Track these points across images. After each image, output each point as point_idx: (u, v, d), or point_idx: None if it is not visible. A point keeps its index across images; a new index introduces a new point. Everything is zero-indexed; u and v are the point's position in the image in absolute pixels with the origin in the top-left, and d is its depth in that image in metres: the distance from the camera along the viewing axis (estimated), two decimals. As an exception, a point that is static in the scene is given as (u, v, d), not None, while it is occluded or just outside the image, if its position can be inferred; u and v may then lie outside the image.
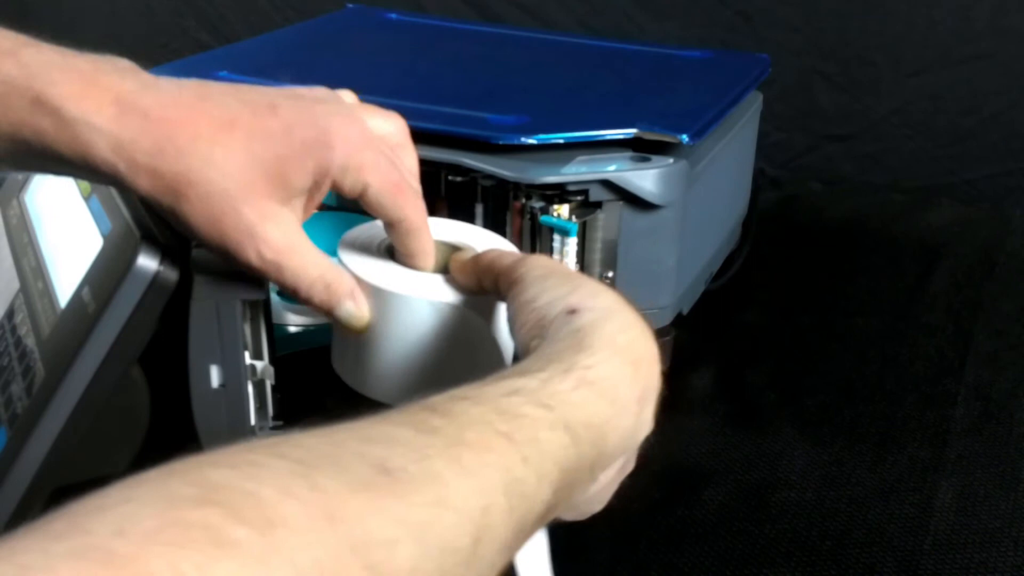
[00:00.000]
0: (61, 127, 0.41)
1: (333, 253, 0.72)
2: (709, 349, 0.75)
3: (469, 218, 0.64)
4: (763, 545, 0.56)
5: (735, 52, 0.99)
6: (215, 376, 0.48)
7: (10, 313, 0.56)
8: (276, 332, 0.51)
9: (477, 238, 0.52)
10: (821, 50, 1.12)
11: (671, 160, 0.62)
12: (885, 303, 0.82)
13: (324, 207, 0.74)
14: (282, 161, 0.44)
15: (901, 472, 0.62)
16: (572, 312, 0.39)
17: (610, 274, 0.64)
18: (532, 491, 0.32)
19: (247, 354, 0.48)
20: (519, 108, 0.67)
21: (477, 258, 0.46)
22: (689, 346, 0.71)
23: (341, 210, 0.73)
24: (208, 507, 0.24)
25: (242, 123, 0.43)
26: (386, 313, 0.47)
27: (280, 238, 0.44)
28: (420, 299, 0.46)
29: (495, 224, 0.63)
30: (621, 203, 0.62)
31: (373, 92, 0.70)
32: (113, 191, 0.52)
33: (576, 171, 0.61)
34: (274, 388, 0.50)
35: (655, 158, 0.62)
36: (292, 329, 0.65)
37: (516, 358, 0.44)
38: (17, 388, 0.50)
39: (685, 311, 0.71)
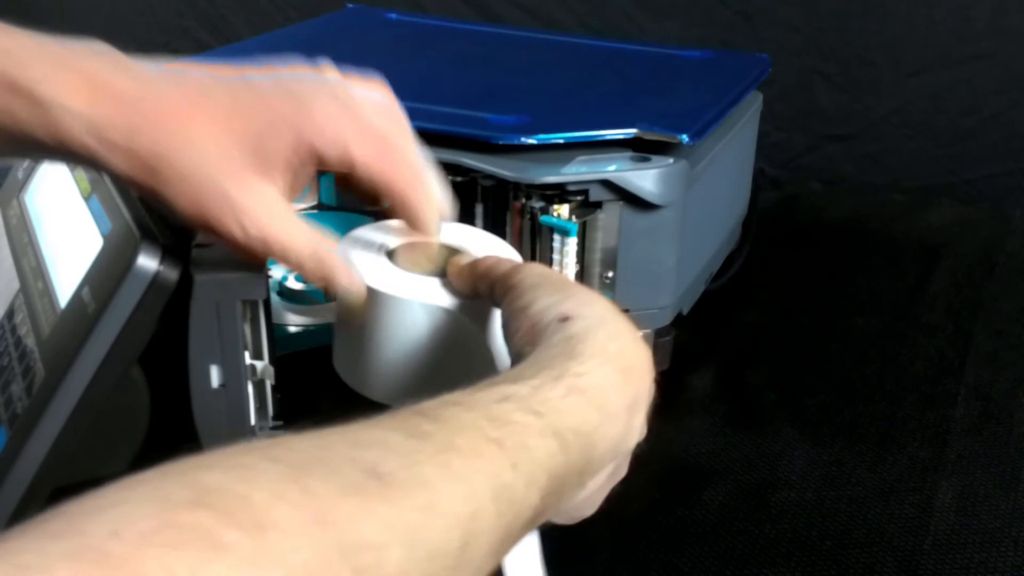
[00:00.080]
0: (36, 111, 0.41)
1: (333, 253, 0.72)
2: (709, 349, 0.75)
3: (469, 218, 0.64)
4: (763, 545, 0.56)
5: (735, 52, 0.99)
6: (215, 376, 0.48)
7: (10, 313, 0.56)
8: (276, 332, 0.51)
9: (478, 241, 0.52)
10: (821, 50, 1.12)
11: (671, 160, 0.62)
12: (885, 303, 0.82)
13: (324, 207, 0.74)
14: (259, 134, 0.43)
15: (901, 472, 0.62)
16: (564, 319, 0.40)
17: (610, 274, 0.64)
18: (520, 497, 0.32)
19: (247, 354, 0.48)
20: (519, 108, 0.67)
21: (474, 264, 0.47)
22: (689, 346, 0.71)
23: (341, 210, 0.73)
24: (201, 510, 0.24)
25: (217, 99, 0.43)
26: (382, 315, 0.47)
27: (263, 211, 0.43)
28: (414, 302, 0.47)
29: (495, 224, 0.63)
30: (621, 203, 0.62)
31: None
32: (113, 191, 0.52)
33: (576, 171, 0.61)
34: (274, 388, 0.50)
35: (655, 158, 0.62)
36: (292, 329, 0.65)
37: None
38: (17, 388, 0.50)
39: (685, 311, 0.71)
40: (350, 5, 0.98)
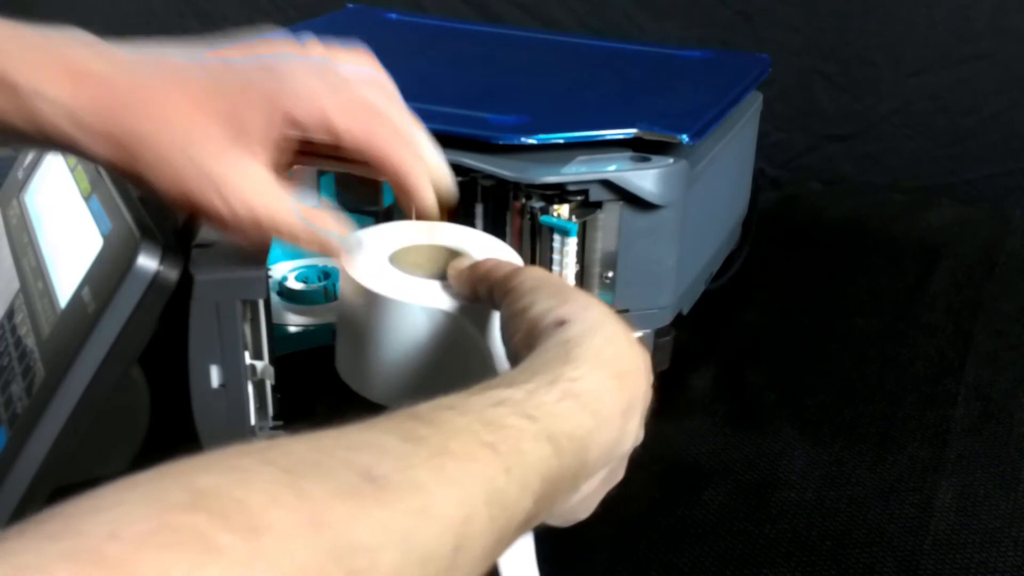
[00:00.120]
0: (13, 99, 0.41)
1: (333, 253, 0.73)
2: (709, 349, 0.75)
3: (469, 218, 0.64)
4: (763, 545, 0.56)
5: (735, 52, 0.99)
6: (215, 376, 0.48)
7: (10, 313, 0.56)
8: (276, 332, 0.51)
9: (480, 243, 0.53)
10: (821, 50, 1.12)
11: (671, 160, 0.62)
12: (885, 303, 0.82)
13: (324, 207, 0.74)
14: (236, 109, 0.43)
15: (901, 472, 0.62)
16: (561, 323, 0.40)
17: (610, 274, 0.64)
18: (513, 501, 0.32)
19: (247, 354, 0.48)
20: (519, 108, 0.67)
21: (474, 267, 0.47)
22: (689, 346, 0.71)
23: (341, 210, 0.73)
24: (197, 513, 0.25)
25: (195, 79, 0.43)
26: (383, 317, 0.48)
27: (247, 186, 0.43)
28: (414, 305, 0.47)
29: (495, 224, 0.63)
30: (621, 203, 0.62)
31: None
32: (113, 191, 0.52)
33: (576, 171, 0.61)
34: (274, 388, 0.50)
35: (655, 158, 0.62)
36: (292, 329, 0.65)
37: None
38: (17, 388, 0.50)
39: (685, 311, 0.71)
40: (350, 5, 0.98)
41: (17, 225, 0.61)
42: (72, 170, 0.58)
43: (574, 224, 0.61)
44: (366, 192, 0.71)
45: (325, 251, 0.47)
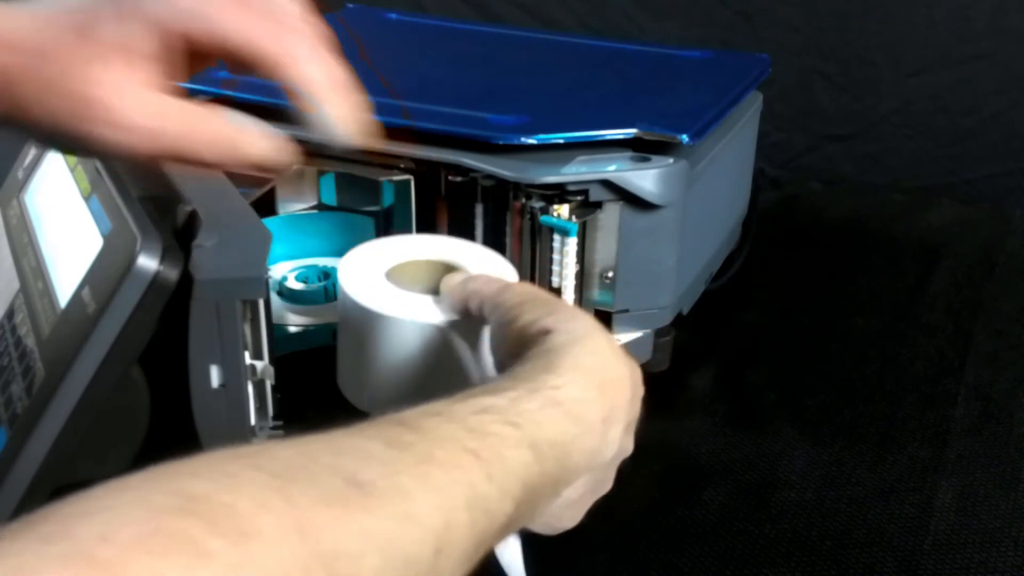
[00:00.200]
0: None
1: (333, 253, 0.73)
2: (709, 349, 0.75)
3: (469, 218, 0.64)
4: (763, 545, 0.56)
5: (735, 52, 0.99)
6: (215, 376, 0.48)
7: (10, 313, 0.56)
8: (276, 332, 0.51)
9: (478, 258, 0.54)
10: (821, 50, 1.12)
11: (671, 160, 0.62)
12: (885, 303, 0.82)
13: (324, 207, 0.74)
14: (101, 26, 0.41)
15: (901, 472, 0.62)
16: (546, 333, 0.41)
17: (610, 274, 0.64)
18: (495, 506, 0.33)
19: (247, 354, 0.48)
20: (519, 108, 0.67)
21: (465, 282, 0.48)
22: (689, 346, 0.71)
23: (341, 210, 0.73)
24: (188, 517, 0.25)
25: (66, 14, 0.41)
26: (374, 332, 0.49)
27: (136, 106, 0.40)
28: (405, 320, 0.48)
29: (495, 224, 0.63)
30: (621, 203, 0.62)
31: (373, 92, 0.70)
32: (113, 191, 0.52)
33: (576, 171, 0.61)
34: (274, 388, 0.50)
35: (655, 158, 0.62)
36: (292, 329, 0.65)
37: None
38: (17, 388, 0.50)
39: (685, 311, 0.71)
40: (350, 5, 0.98)
41: (17, 225, 0.61)
42: (72, 170, 0.58)
43: (574, 224, 0.61)
44: (366, 192, 0.71)
45: (242, 164, 0.43)
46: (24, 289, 0.55)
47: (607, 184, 0.61)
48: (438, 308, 0.49)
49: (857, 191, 1.07)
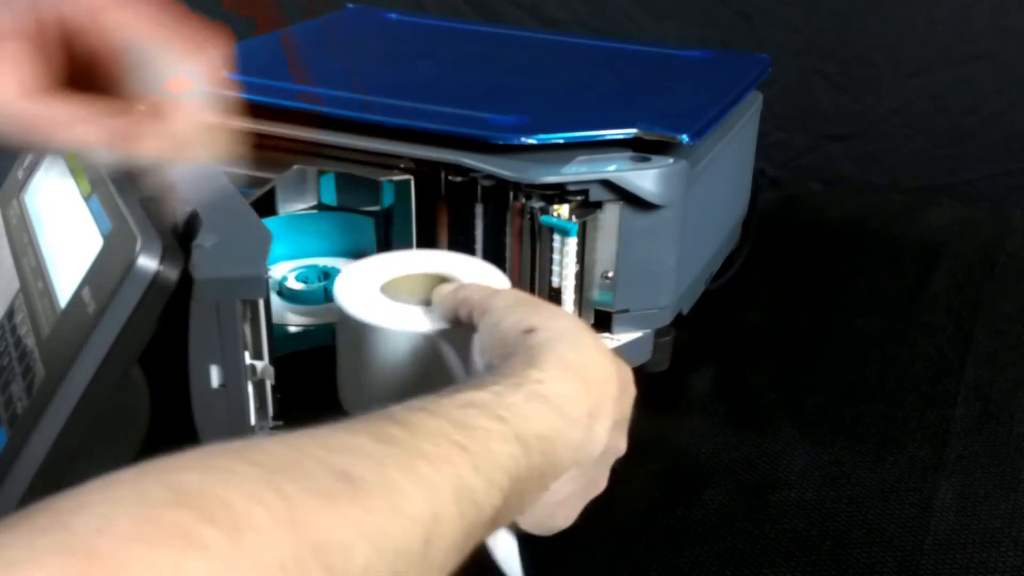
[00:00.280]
0: None
1: (333, 253, 0.73)
2: (709, 349, 0.75)
3: (469, 218, 0.64)
4: (763, 545, 0.56)
5: (735, 52, 0.99)
6: (215, 376, 0.48)
7: (10, 313, 0.56)
8: (276, 332, 0.51)
9: (474, 271, 0.55)
10: (821, 50, 1.12)
11: (671, 160, 0.62)
12: (885, 303, 0.82)
13: (324, 207, 0.74)
14: None
15: (901, 472, 0.62)
16: (529, 331, 0.42)
17: (610, 274, 0.64)
18: (482, 499, 0.34)
19: (247, 354, 0.48)
20: (519, 108, 0.67)
21: (456, 291, 0.49)
22: (689, 346, 0.71)
23: (341, 210, 0.73)
24: (182, 509, 0.26)
25: None
26: (371, 344, 0.50)
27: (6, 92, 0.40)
28: (394, 329, 0.49)
29: (495, 224, 0.63)
30: (621, 203, 0.62)
31: (373, 92, 0.70)
32: (113, 191, 0.52)
33: (576, 171, 0.61)
34: (274, 388, 0.50)
35: (655, 158, 0.62)
36: (292, 329, 0.65)
37: None
38: (17, 388, 0.50)
39: (685, 311, 0.71)
40: (350, 5, 0.98)
41: (17, 225, 0.61)
42: (72, 170, 0.58)
43: (574, 224, 0.61)
44: (366, 192, 0.71)
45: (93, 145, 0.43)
46: (24, 289, 0.55)
47: (607, 184, 0.61)
48: (428, 318, 0.50)
49: (857, 191, 1.07)
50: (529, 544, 0.45)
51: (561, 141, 0.63)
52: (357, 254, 0.71)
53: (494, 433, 0.36)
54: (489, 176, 0.61)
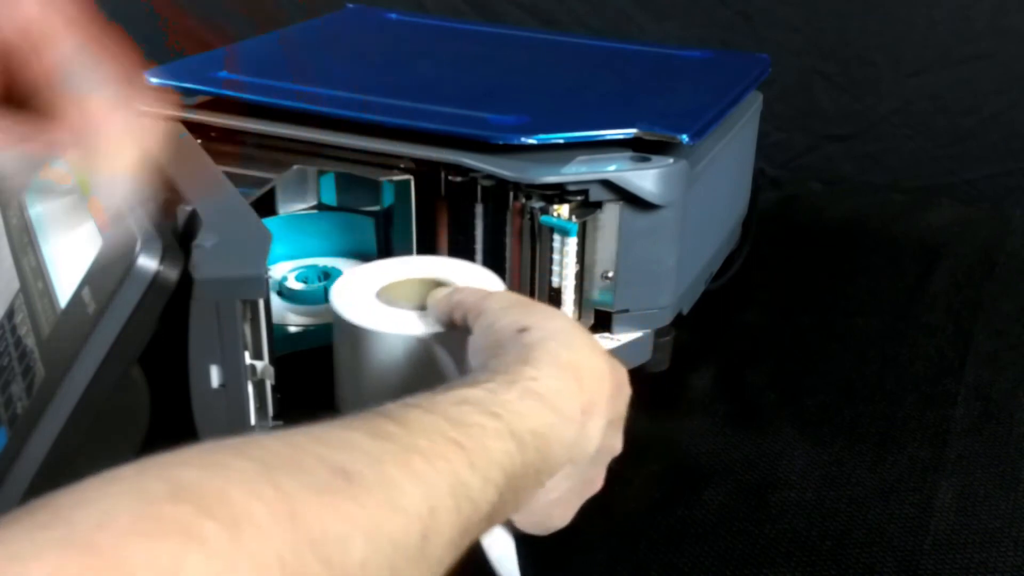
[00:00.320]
0: None
1: (333, 253, 0.73)
2: (709, 349, 0.75)
3: (469, 218, 0.64)
4: (763, 545, 0.56)
5: (735, 52, 0.99)
6: (215, 376, 0.48)
7: (10, 313, 0.56)
8: (276, 332, 0.51)
9: (471, 275, 0.55)
10: (821, 50, 1.12)
11: (671, 160, 0.62)
12: (885, 303, 0.82)
13: (324, 207, 0.74)
14: None
15: (901, 472, 0.62)
16: (523, 331, 0.43)
17: (610, 274, 0.64)
18: (478, 494, 0.34)
19: (247, 354, 0.48)
20: (519, 108, 0.67)
21: (451, 294, 0.49)
22: (689, 346, 0.71)
23: (341, 210, 0.73)
24: (181, 504, 0.26)
25: None
26: (366, 348, 0.50)
27: None
28: (390, 333, 0.50)
29: (495, 224, 0.63)
30: (621, 203, 0.62)
31: (373, 92, 0.71)
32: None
33: (576, 171, 0.61)
34: (274, 388, 0.50)
35: (655, 158, 0.62)
36: (292, 329, 0.65)
37: None
38: (17, 388, 0.50)
39: (685, 311, 0.71)
40: (350, 5, 0.98)
41: (17, 225, 0.61)
42: (73, 170, 0.58)
43: (574, 224, 0.61)
44: (366, 192, 0.71)
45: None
46: (24, 289, 0.55)
47: (607, 184, 0.61)
48: (423, 322, 0.50)
49: (857, 191, 1.07)
50: (529, 544, 0.45)
51: (561, 141, 0.63)
52: (357, 254, 0.71)
53: (489, 430, 0.36)
54: (489, 176, 0.61)
